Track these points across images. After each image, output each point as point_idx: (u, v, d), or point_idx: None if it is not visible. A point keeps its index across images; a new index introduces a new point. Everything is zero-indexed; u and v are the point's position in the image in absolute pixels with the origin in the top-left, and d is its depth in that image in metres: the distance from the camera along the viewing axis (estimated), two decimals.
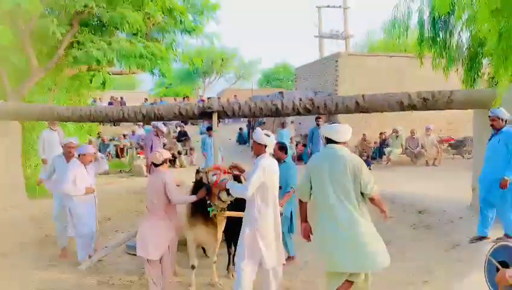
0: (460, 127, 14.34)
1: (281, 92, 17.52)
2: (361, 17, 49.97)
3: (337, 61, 14.96)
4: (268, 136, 3.88)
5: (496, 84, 6.57)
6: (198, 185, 4.53)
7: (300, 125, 15.88)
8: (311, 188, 3.54)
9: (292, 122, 15.44)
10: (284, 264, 5.09)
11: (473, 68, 7.34)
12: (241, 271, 3.76)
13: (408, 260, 5.28)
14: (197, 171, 4.70)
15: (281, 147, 5.28)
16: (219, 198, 4.20)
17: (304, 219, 3.78)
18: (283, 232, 5.19)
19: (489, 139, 5.39)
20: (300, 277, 5.04)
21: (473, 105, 6.65)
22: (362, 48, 28.05)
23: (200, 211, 4.38)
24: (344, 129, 3.56)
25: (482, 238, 5.30)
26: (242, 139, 18.83)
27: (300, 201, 3.76)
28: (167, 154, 4.55)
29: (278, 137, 12.05)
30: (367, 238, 3.29)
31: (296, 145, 14.72)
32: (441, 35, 7.58)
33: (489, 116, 5.30)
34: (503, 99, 5.83)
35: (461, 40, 7.65)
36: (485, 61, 7.48)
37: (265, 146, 3.85)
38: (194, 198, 4.37)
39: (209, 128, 10.11)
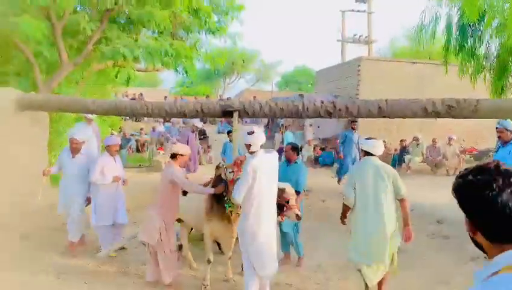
0: (483, 138, 14.06)
1: (301, 95, 17.51)
2: (385, 22, 49.48)
3: (359, 65, 14.87)
4: (252, 133, 3.87)
5: None
6: (218, 181, 4.59)
7: (319, 128, 15.83)
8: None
9: (311, 125, 15.41)
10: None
11: (502, 77, 7.20)
12: (248, 284, 3.89)
13: (424, 269, 5.22)
14: (217, 167, 4.75)
15: (293, 148, 5.29)
16: None
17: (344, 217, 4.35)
18: (289, 234, 5.21)
19: (496, 152, 5.26)
20: (313, 279, 5.04)
21: (499, 115, 6.51)
22: (385, 54, 27.80)
23: (217, 206, 4.44)
24: (379, 144, 4.32)
25: None
26: None
27: (344, 205, 4.27)
28: (186, 149, 4.64)
29: (285, 139, 12.06)
30: (389, 235, 4.01)
31: (314, 148, 14.68)
32: (469, 42, 7.48)
33: (496, 128, 5.14)
34: None
35: (490, 48, 7.53)
36: None
37: (250, 145, 3.84)
38: (211, 190, 4.40)
39: (230, 132, 9.53)
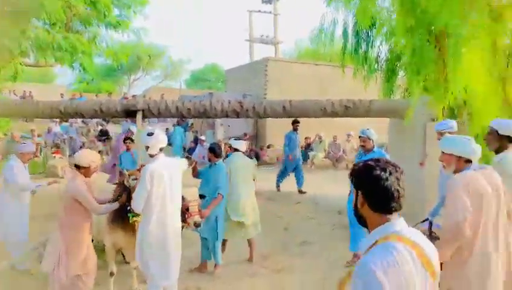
0: (378, 134, 15.43)
1: (210, 93, 17.44)
2: (291, 24, 51.70)
3: (266, 65, 15.26)
4: (151, 134, 3.67)
5: (409, 96, 7.15)
6: (121, 189, 4.30)
7: (229, 127, 15.91)
8: None
9: (222, 124, 15.43)
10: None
11: (390, 80, 7.90)
12: None
13: (327, 258, 5.50)
14: (120, 174, 4.45)
15: (211, 149, 5.03)
16: None
17: None
18: (208, 240, 5.05)
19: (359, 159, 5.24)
20: (222, 279, 5.00)
21: (389, 114, 7.17)
22: (291, 55, 28.98)
23: (119, 216, 4.14)
24: (244, 143, 5.53)
25: None
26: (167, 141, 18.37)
27: None
28: (92, 159, 3.86)
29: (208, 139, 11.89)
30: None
31: (224, 147, 14.74)
32: (362, 47, 8.06)
33: (359, 137, 5.14)
34: (415, 109, 6.36)
35: (381, 53, 8.21)
36: (401, 73, 8.10)
37: (147, 147, 3.67)
38: (116, 205, 4.05)
39: (127, 140, 7.32)
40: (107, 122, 18.70)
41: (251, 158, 12.81)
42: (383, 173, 1.51)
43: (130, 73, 36.03)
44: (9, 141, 13.11)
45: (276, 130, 15.64)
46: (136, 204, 3.60)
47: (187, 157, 11.94)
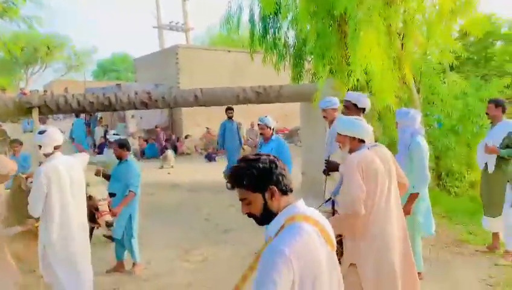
0: (294, 118, 15.95)
1: (118, 84, 16.49)
2: (203, 10, 50.83)
3: (177, 53, 14.83)
4: (43, 132, 3.36)
5: (316, 80, 7.42)
6: (17, 192, 3.89)
7: (142, 119, 15.26)
8: None
9: (133, 116, 14.75)
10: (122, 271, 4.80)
11: (298, 65, 8.11)
12: None
13: (250, 245, 5.53)
14: (15, 177, 3.97)
15: (120, 145, 4.71)
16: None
17: None
18: (124, 239, 4.80)
19: (260, 148, 5.23)
20: (143, 277, 4.80)
21: (298, 98, 7.39)
22: (203, 42, 28.56)
23: (17, 222, 3.74)
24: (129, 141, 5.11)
25: None
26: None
27: None
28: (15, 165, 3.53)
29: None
30: None
31: (138, 140, 14.15)
32: (270, 33, 8.14)
33: (258, 125, 5.07)
34: (322, 92, 6.61)
35: (288, 38, 8.37)
36: (308, 58, 8.34)
37: (40, 146, 3.36)
38: (19, 229, 3.66)
39: (14, 141, 6.82)
40: (3, 121, 16.78)
41: (166, 149, 12.43)
42: (264, 163, 1.61)
43: (27, 66, 32.66)
44: None
45: (192, 120, 15.38)
46: (33, 209, 3.28)
47: (98, 154, 11.21)
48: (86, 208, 3.65)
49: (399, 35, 6.83)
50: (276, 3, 7.08)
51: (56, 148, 3.36)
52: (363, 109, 3.85)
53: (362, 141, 2.83)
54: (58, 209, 3.30)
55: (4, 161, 3.52)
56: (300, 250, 1.46)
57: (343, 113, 3.94)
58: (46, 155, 3.35)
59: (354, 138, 2.83)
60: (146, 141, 14.30)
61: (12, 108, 5.72)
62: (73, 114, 15.49)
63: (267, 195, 1.61)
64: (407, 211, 3.58)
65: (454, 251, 4.96)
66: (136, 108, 6.23)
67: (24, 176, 4.01)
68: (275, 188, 1.60)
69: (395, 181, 2.84)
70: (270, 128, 4.92)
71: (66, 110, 6.00)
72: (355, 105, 3.82)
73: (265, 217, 1.64)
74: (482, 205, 5.01)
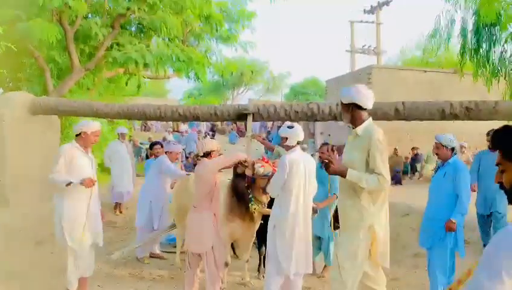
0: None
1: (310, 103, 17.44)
2: (394, 33, 49.65)
3: (370, 73, 14.80)
4: (291, 127, 3.88)
5: None
6: (235, 182, 4.39)
7: (330, 137, 15.72)
8: None
9: (322, 133, 15.32)
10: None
11: None
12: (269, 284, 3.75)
13: None
14: (236, 166, 4.29)
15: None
16: (264, 191, 4.11)
17: None
18: (323, 238, 4.96)
19: (436, 171, 4.49)
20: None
21: None
22: (395, 64, 27.71)
23: (237, 205, 4.30)
24: None
25: None
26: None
27: None
28: (215, 145, 4.13)
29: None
30: None
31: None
32: (484, 46, 7.37)
33: (435, 143, 4.25)
34: None
35: (506, 53, 7.41)
36: None
37: (286, 138, 3.87)
38: None
39: (155, 144, 7.27)
40: (214, 132, 19.81)
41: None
42: None
43: (234, 88, 37.92)
44: (133, 147, 14.73)
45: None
46: (272, 189, 3.80)
47: None
48: (311, 201, 3.92)
49: None
50: (498, 12, 6.37)
51: (298, 142, 3.83)
52: None
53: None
54: (293, 196, 3.69)
55: (208, 141, 4.26)
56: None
57: None
58: (289, 147, 3.81)
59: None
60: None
61: (232, 114, 6.70)
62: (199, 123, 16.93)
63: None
64: None
65: None
66: (336, 119, 6.47)
67: (253, 161, 4.16)
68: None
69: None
70: (448, 147, 4.11)
71: (274, 118, 6.68)
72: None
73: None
74: None
